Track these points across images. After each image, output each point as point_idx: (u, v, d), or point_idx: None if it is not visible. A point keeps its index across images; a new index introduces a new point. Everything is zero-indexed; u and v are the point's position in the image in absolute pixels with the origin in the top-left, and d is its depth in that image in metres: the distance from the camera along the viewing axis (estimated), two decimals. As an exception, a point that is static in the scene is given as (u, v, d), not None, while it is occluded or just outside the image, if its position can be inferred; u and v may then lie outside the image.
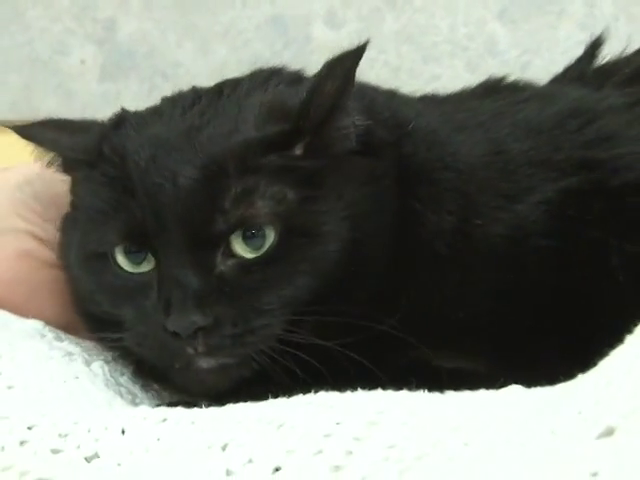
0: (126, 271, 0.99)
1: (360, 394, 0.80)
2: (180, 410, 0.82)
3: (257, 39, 1.92)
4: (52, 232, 1.11)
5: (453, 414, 0.72)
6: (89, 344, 1.12)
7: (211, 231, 0.94)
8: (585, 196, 1.01)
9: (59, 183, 1.11)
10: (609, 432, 0.59)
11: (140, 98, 1.93)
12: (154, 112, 1.06)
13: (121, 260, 0.99)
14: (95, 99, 2.07)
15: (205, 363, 0.95)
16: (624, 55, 1.16)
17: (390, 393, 0.79)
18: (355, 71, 0.95)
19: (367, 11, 1.89)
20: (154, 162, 0.96)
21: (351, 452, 0.69)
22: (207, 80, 1.05)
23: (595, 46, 1.18)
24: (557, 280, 0.98)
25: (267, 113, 0.97)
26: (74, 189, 1.08)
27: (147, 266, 0.98)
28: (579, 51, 1.15)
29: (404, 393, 0.78)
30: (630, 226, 1.00)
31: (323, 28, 1.90)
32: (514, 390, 0.75)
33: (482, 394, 0.76)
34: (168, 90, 1.06)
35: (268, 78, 1.06)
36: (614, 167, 1.02)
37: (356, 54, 0.94)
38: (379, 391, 0.80)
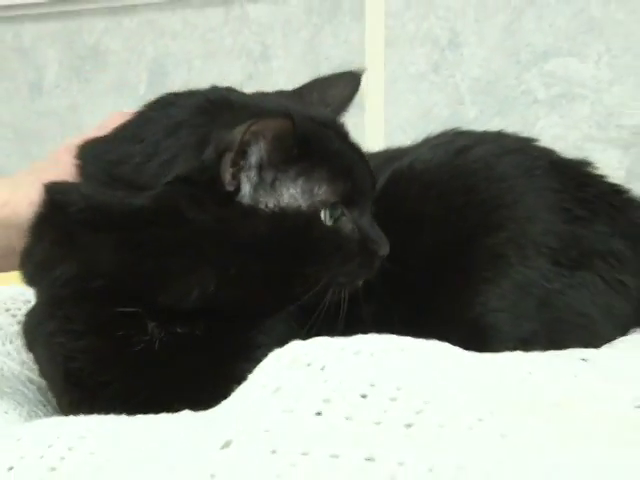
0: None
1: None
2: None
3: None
4: None
5: (137, 436, 0.69)
6: None
7: None
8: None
9: None
10: (227, 444, 0.59)
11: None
12: None
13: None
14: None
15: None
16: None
17: (93, 418, 0.75)
18: None
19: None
20: None
21: (64, 458, 0.67)
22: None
23: None
24: None
25: None
26: None
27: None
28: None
29: (103, 418, 0.75)
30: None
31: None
32: (184, 413, 0.73)
33: (162, 416, 0.74)
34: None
35: None
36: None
37: None
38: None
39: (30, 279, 0.90)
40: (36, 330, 0.90)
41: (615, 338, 0.96)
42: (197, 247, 0.82)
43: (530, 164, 1.00)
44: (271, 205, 0.84)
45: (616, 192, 1.05)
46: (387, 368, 0.64)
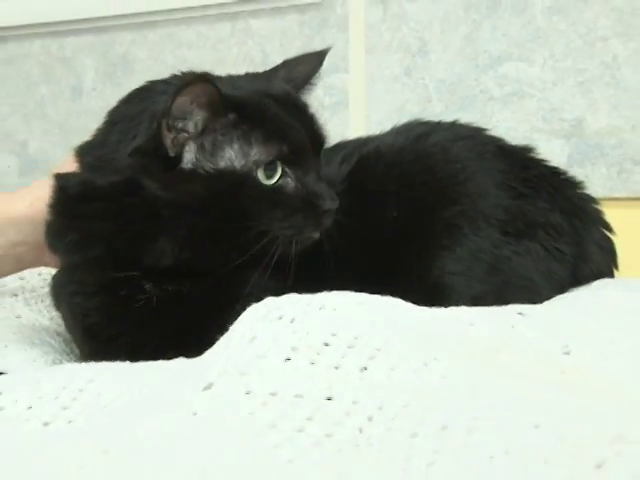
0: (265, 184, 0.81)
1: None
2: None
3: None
4: None
5: (136, 380, 0.66)
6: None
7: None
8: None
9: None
10: (209, 386, 0.56)
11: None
12: None
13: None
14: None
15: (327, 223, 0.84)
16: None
17: (101, 364, 0.72)
18: None
19: None
20: None
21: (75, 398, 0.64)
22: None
23: None
24: None
25: None
26: None
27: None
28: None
29: (110, 364, 0.71)
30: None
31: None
32: (177, 360, 0.71)
33: (158, 363, 0.71)
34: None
35: None
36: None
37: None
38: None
39: (52, 247, 0.88)
40: (60, 291, 0.88)
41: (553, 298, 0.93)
42: (154, 213, 0.79)
43: (481, 148, 0.97)
44: (209, 168, 0.79)
45: (555, 173, 1.02)
46: (347, 320, 0.61)
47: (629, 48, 1.50)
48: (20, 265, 1.00)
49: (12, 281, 1.04)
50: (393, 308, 0.65)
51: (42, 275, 1.04)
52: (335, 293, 0.66)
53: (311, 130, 0.86)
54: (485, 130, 1.03)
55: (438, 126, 1.02)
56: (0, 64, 2.08)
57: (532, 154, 1.02)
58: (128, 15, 1.91)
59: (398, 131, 1.02)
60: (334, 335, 0.59)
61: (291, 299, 0.64)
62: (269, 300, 0.65)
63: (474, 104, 1.60)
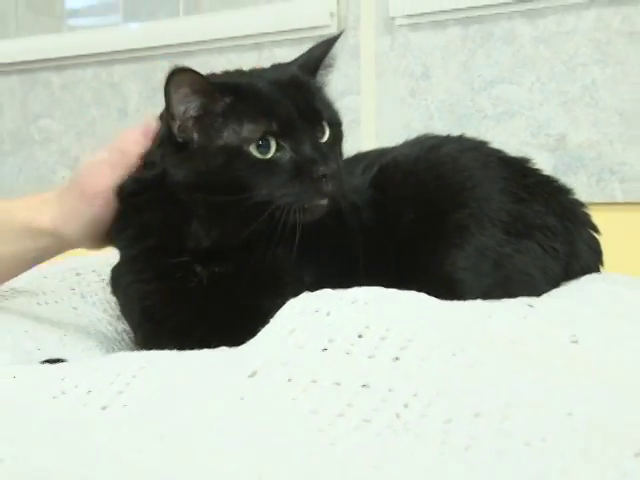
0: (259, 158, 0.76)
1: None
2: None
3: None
4: None
5: (185, 367, 0.62)
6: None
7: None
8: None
9: None
10: (253, 374, 0.52)
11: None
12: None
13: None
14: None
15: (330, 189, 0.76)
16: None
17: (151, 352, 0.68)
18: None
19: None
20: None
21: (129, 383, 0.60)
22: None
23: None
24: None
25: None
26: None
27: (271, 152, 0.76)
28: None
29: (160, 353, 0.68)
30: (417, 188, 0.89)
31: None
32: (221, 349, 0.66)
33: (204, 352, 0.66)
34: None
35: None
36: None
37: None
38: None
39: (114, 243, 0.86)
40: (118, 280, 0.86)
41: (549, 291, 0.90)
42: (180, 199, 0.77)
43: (485, 159, 0.94)
44: (210, 147, 0.75)
45: (549, 181, 0.98)
46: (378, 313, 0.57)
47: (606, 73, 1.48)
48: (31, 265, 0.92)
49: (70, 277, 1.00)
50: (420, 302, 0.61)
51: (96, 271, 1.00)
52: (365, 288, 0.62)
53: (306, 105, 0.80)
54: (487, 143, 0.99)
55: (447, 139, 0.98)
56: (57, 89, 2.06)
57: (529, 164, 0.99)
58: (168, 46, 1.89)
59: (412, 143, 0.98)
60: (367, 327, 0.55)
61: (325, 294, 0.60)
62: (305, 295, 0.61)
63: (470, 122, 1.57)
